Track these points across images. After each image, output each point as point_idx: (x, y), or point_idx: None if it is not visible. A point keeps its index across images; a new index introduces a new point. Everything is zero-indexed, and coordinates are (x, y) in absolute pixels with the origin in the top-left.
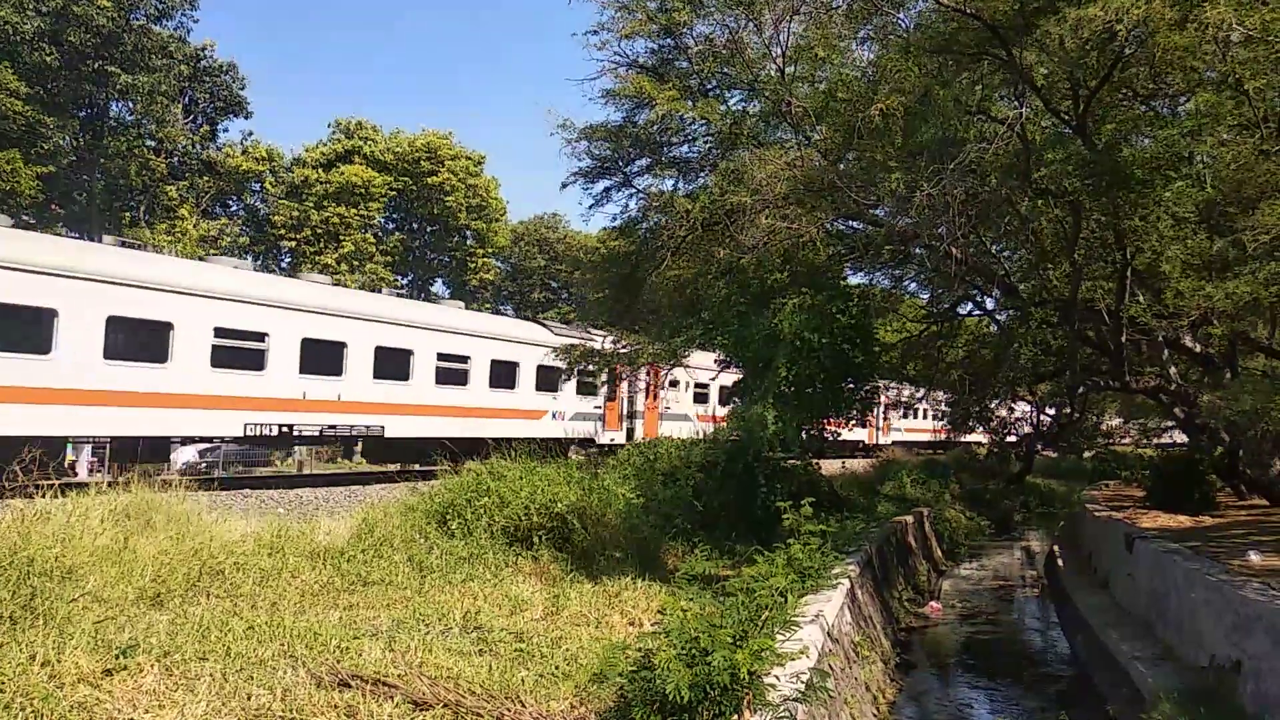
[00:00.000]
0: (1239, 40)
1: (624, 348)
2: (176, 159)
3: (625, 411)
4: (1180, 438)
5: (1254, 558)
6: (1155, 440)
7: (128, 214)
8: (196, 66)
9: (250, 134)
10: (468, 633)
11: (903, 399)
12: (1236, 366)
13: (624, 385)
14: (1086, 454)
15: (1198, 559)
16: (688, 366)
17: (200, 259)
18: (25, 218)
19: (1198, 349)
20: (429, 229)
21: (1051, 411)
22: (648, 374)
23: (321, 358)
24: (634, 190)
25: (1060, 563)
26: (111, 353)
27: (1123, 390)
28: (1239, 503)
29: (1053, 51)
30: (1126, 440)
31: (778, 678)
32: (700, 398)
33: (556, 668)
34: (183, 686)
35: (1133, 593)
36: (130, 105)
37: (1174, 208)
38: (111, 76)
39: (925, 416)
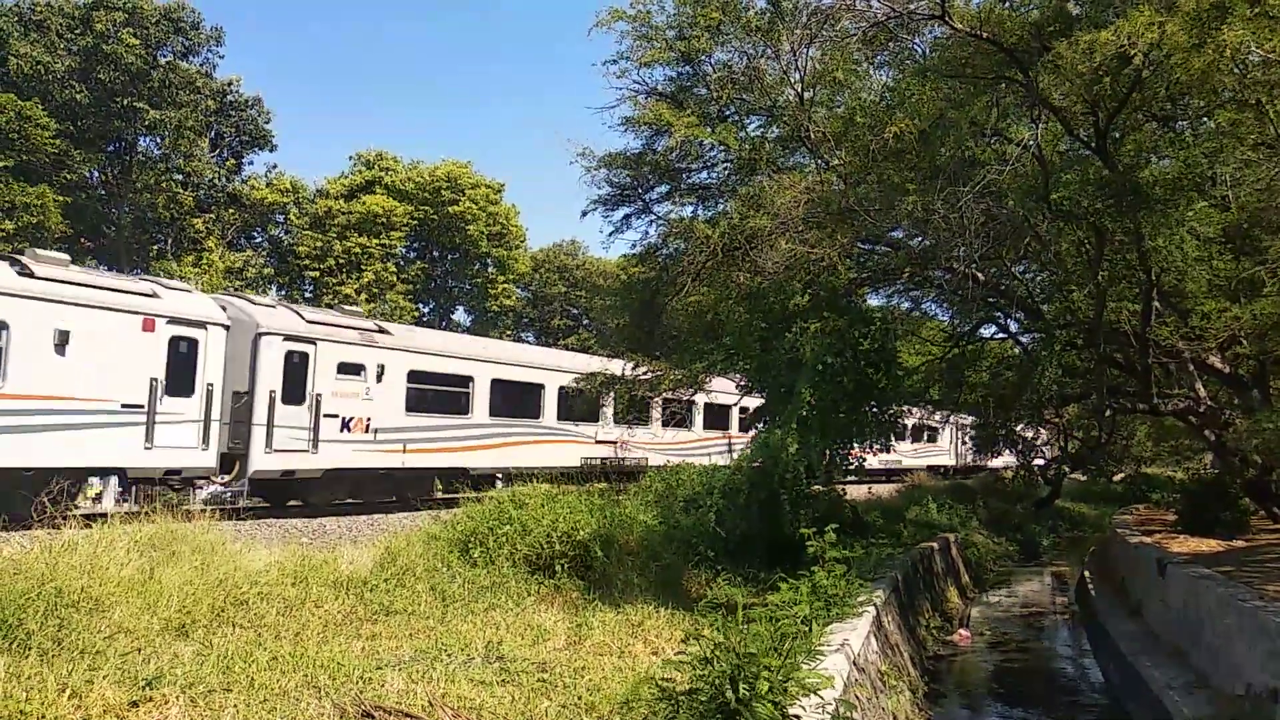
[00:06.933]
0: (1258, 62)
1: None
2: (203, 192)
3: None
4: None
5: None
6: (1185, 464)
7: (155, 247)
8: (222, 101)
9: (274, 167)
10: (490, 663)
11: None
12: (1267, 387)
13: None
14: (1116, 477)
15: (1231, 584)
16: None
17: None
18: (56, 250)
19: (1226, 370)
20: (450, 257)
21: (1079, 434)
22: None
23: None
24: (654, 217)
25: (1091, 589)
26: None
27: (1151, 412)
28: (1272, 526)
29: (1069, 75)
30: (1155, 464)
31: (803, 708)
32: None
33: (579, 698)
34: (208, 718)
35: (1165, 619)
36: (158, 140)
37: (1197, 228)
38: (139, 112)
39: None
